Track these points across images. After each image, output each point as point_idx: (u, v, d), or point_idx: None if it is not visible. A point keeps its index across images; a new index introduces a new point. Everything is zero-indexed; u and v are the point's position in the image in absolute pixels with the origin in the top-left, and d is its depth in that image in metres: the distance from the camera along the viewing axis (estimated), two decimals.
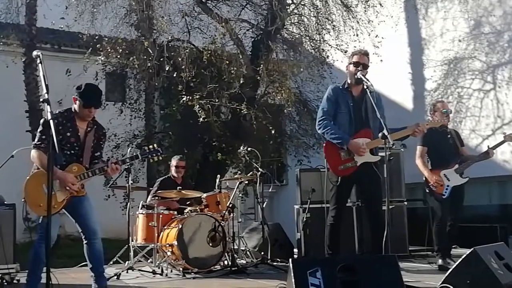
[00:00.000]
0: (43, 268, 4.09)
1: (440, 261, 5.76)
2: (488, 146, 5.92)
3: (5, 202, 5.89)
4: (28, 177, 4.17)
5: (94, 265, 4.42)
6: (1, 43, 12.42)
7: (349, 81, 4.93)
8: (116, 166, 4.29)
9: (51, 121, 3.07)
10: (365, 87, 4.68)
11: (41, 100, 3.33)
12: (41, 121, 4.19)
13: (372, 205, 4.88)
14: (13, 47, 12.40)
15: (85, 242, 4.38)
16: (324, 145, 5.00)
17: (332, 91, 4.93)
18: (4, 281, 5.39)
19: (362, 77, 4.68)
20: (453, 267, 3.88)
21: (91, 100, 4.31)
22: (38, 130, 4.29)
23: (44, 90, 3.27)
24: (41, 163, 4.10)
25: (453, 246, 6.18)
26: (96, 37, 11.15)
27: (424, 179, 5.92)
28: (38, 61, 3.48)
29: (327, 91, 5.00)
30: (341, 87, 4.97)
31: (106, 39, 11.24)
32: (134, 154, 4.53)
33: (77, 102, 4.31)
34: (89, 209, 4.39)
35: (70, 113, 4.36)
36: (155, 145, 4.66)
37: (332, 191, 4.90)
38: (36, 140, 4.25)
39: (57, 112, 4.22)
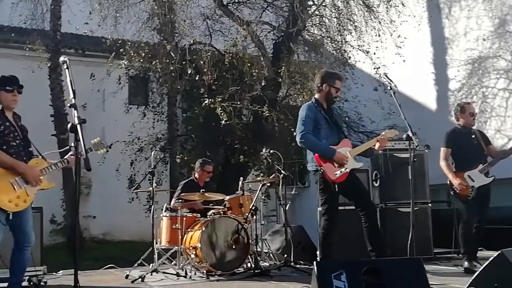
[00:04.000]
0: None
1: (466, 264, 5.72)
2: None
3: (32, 206, 5.98)
4: None
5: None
6: (27, 49, 12.61)
7: (320, 98, 5.22)
8: (72, 158, 4.14)
9: (78, 126, 3.10)
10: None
11: (68, 105, 3.36)
12: None
13: (367, 207, 5.06)
14: (38, 52, 12.55)
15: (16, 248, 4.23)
16: (315, 155, 5.08)
17: (309, 110, 5.15)
18: (32, 283, 5.45)
19: (386, 77, 4.91)
20: (480, 270, 3.83)
21: (12, 82, 4.23)
22: None
23: (71, 95, 3.31)
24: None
25: (479, 249, 6.11)
26: (119, 42, 11.27)
27: (448, 181, 5.87)
28: (65, 67, 3.52)
29: (304, 109, 5.19)
30: (314, 104, 5.21)
31: (129, 43, 11.35)
32: (88, 147, 4.19)
33: (1, 92, 4.22)
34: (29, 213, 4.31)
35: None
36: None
37: (325, 200, 5.07)
38: None
39: None
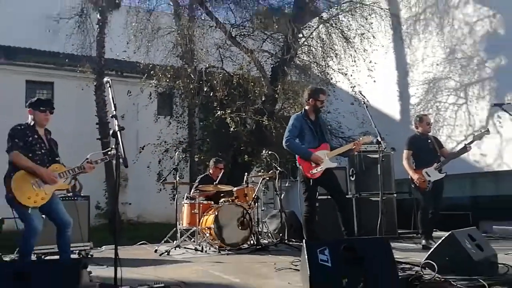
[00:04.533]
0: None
1: (423, 242, 5.69)
2: (465, 143, 5.83)
3: (82, 195, 5.99)
4: (14, 176, 3.88)
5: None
6: (78, 71, 12.68)
7: (309, 110, 5.16)
8: (91, 165, 4.13)
9: (118, 132, 3.09)
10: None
11: (110, 116, 3.34)
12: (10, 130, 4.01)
13: (339, 197, 5.04)
14: (86, 74, 12.65)
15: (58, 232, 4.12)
16: (298, 156, 5.10)
17: (296, 120, 5.14)
18: (81, 255, 5.48)
19: (360, 94, 4.87)
20: (434, 246, 3.83)
21: (45, 104, 4.13)
22: (9, 138, 3.99)
23: (113, 108, 3.29)
24: (20, 163, 3.91)
25: (434, 230, 6.09)
26: (150, 65, 11.32)
27: (410, 177, 5.86)
28: (108, 86, 3.47)
29: (292, 119, 5.19)
30: (301, 115, 5.19)
31: (158, 66, 11.40)
32: (103, 157, 4.18)
33: (34, 111, 4.10)
34: (60, 203, 4.20)
35: (28, 125, 4.12)
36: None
37: (305, 191, 5.02)
38: (9, 146, 3.98)
39: (20, 124, 4.08)
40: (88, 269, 3.25)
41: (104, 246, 6.54)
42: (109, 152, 3.96)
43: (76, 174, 4.18)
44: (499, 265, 3.82)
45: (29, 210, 3.83)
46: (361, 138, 5.20)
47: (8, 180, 3.86)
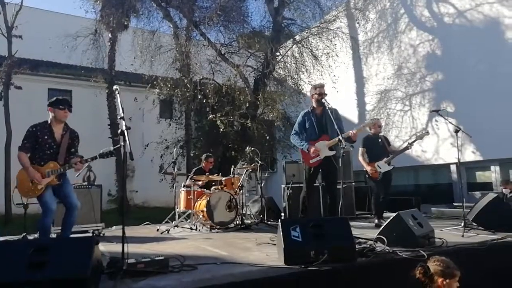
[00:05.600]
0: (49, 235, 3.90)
1: (376, 221, 5.73)
2: (408, 143, 5.90)
3: (95, 184, 5.88)
4: (18, 172, 3.87)
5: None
6: (92, 81, 12.45)
7: (314, 104, 4.90)
8: (79, 163, 3.94)
9: (125, 131, 3.01)
10: (326, 107, 4.69)
11: (118, 117, 3.28)
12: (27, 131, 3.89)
13: (329, 186, 4.84)
14: (100, 83, 12.45)
15: (66, 212, 4.00)
16: (300, 148, 4.98)
17: (301, 116, 4.97)
18: (94, 234, 5.38)
19: (325, 101, 4.69)
20: (384, 224, 3.86)
21: (64, 103, 4.01)
22: (24, 138, 3.89)
23: (121, 111, 3.22)
24: (20, 162, 3.84)
25: (384, 211, 6.16)
26: (153, 77, 11.22)
27: (365, 169, 5.91)
28: (117, 92, 3.41)
29: (299, 116, 5.01)
30: (308, 110, 4.97)
31: (160, 78, 11.30)
32: (94, 156, 3.97)
33: (54, 109, 3.98)
34: (70, 188, 4.07)
35: (46, 123, 4.00)
36: (111, 148, 3.97)
37: (305, 177, 4.90)
38: (19, 146, 3.89)
39: (34, 125, 3.95)
40: (100, 245, 3.19)
41: (114, 227, 6.43)
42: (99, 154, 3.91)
43: (65, 170, 4.00)
44: (436, 239, 3.88)
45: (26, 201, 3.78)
46: (360, 127, 4.94)
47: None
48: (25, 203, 4.01)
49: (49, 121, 4.02)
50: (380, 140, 5.94)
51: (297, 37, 11.54)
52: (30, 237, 4.91)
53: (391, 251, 3.39)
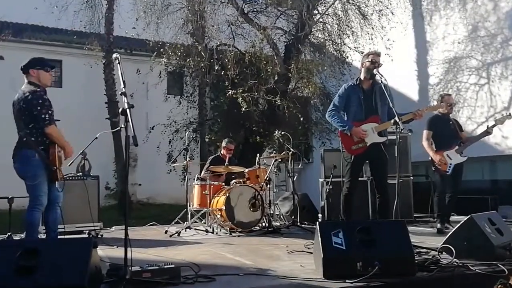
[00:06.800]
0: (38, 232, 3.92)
1: (438, 226, 5.67)
2: (487, 126, 5.75)
3: (91, 174, 6.02)
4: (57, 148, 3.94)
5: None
6: (86, 49, 12.68)
7: (362, 76, 4.79)
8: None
9: (127, 110, 3.04)
10: (378, 80, 4.58)
11: (119, 93, 3.26)
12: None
13: (379, 180, 4.76)
14: (95, 51, 12.65)
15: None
16: (339, 130, 4.90)
17: (344, 89, 4.85)
18: (91, 235, 5.55)
19: (378, 72, 4.58)
20: (453, 230, 3.81)
21: (47, 63, 4.00)
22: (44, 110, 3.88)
23: (122, 85, 3.19)
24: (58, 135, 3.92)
25: (452, 214, 6.05)
26: (160, 43, 11.27)
27: (430, 158, 5.78)
28: (117, 62, 3.36)
29: (341, 89, 4.92)
30: (353, 84, 4.84)
31: (168, 44, 11.34)
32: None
33: (41, 71, 3.97)
34: None
35: (42, 88, 3.98)
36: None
37: (347, 167, 4.82)
38: (47, 118, 3.89)
39: (43, 92, 3.95)
40: (98, 249, 3.29)
41: (114, 227, 6.63)
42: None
43: None
44: None
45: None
46: (423, 108, 4.82)
47: None
48: (9, 197, 4.17)
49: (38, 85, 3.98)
50: (451, 122, 5.82)
51: None
52: (16, 237, 5.14)
53: (460, 264, 3.34)
